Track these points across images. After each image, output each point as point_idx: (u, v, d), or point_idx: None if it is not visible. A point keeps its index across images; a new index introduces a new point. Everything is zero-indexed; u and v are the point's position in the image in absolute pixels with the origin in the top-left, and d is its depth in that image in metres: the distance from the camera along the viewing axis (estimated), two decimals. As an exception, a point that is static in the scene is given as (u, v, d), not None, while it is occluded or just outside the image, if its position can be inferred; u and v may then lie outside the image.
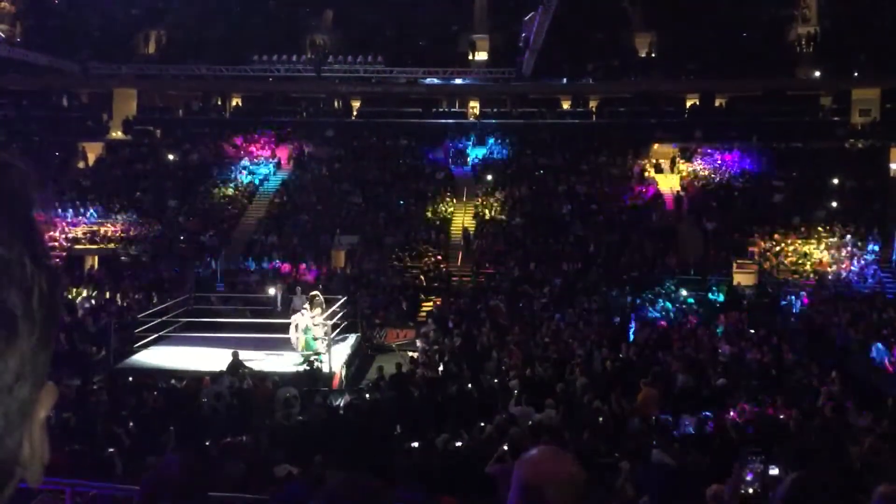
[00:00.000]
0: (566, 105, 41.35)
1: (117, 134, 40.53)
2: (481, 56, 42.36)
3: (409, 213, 33.64)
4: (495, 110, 41.37)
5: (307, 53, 41.84)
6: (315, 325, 19.20)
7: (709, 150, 37.05)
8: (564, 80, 40.54)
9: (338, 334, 20.65)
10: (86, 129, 40.89)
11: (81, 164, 38.85)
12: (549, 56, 37.18)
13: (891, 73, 36.40)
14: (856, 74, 37.99)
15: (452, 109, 41.95)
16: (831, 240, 29.71)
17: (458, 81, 41.14)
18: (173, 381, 16.56)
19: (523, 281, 28.10)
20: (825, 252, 29.34)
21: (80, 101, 43.61)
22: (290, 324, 19.51)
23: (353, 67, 40.37)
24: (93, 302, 24.60)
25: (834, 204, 31.73)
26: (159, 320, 21.05)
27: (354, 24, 41.42)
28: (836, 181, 32.93)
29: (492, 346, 19.85)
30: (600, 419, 13.48)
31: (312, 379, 17.30)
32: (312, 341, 19.22)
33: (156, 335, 20.71)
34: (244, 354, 17.76)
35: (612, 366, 17.59)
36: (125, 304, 24.73)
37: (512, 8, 37.09)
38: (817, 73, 39.08)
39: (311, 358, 18.60)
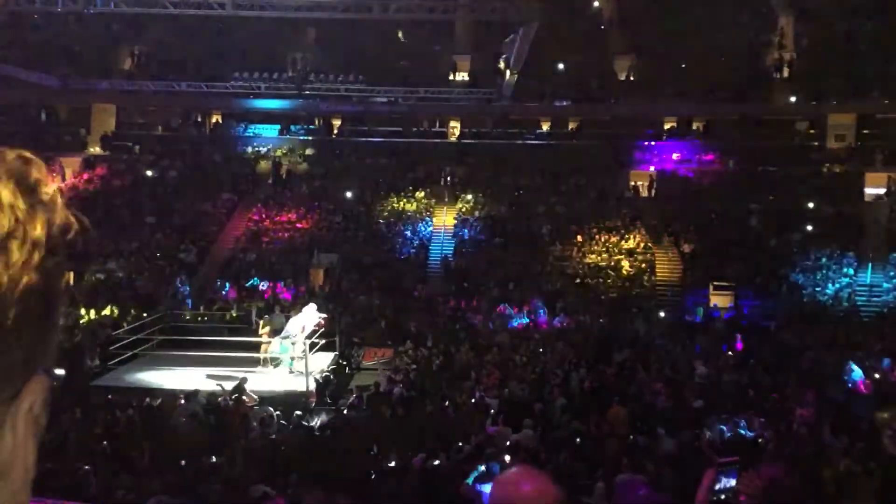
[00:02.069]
0: (546, 126, 41.59)
1: (95, 149, 40.24)
2: (462, 77, 42.55)
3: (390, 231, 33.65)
4: (475, 130, 41.53)
5: (288, 71, 41.80)
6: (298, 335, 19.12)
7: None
8: (543, 102, 40.79)
9: (315, 352, 20.55)
10: (64, 144, 40.52)
11: (59, 180, 38.48)
12: (529, 78, 37.40)
13: (866, 98, 36.90)
14: (833, 102, 38.39)
15: (433, 129, 42.06)
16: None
17: (439, 102, 41.26)
18: (148, 400, 16.39)
19: (502, 301, 28.11)
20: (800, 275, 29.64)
21: (58, 116, 43.29)
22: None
23: (334, 86, 40.38)
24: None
25: (809, 228, 32.01)
26: (134, 337, 20.82)
27: (336, 43, 41.42)
28: (811, 205, 33.22)
29: (470, 366, 19.84)
30: (578, 440, 13.50)
31: (289, 398, 17.19)
32: (290, 345, 19.14)
33: (131, 353, 20.49)
34: (221, 371, 17.63)
35: (591, 386, 17.62)
36: (100, 321, 24.43)
37: (493, 30, 37.26)
38: (793, 99, 39.48)
39: (291, 368, 18.65)
